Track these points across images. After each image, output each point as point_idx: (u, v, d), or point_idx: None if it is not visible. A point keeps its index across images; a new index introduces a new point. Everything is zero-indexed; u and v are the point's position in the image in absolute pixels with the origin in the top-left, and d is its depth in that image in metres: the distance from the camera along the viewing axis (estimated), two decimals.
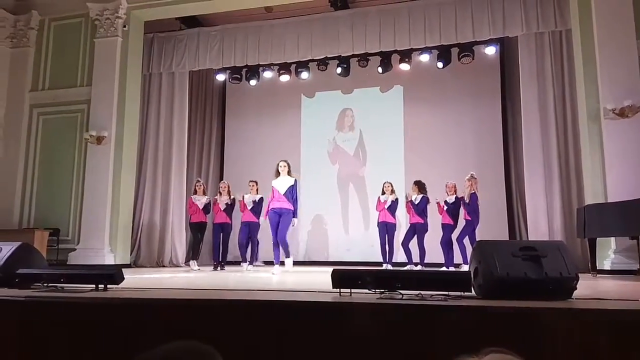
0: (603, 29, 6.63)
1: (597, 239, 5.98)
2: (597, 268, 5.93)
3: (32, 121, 8.77)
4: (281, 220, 6.40)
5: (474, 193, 7.18)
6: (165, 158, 9.26)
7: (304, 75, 10.05)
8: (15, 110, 8.72)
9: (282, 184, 6.52)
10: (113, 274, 3.18)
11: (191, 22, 9.53)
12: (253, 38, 9.01)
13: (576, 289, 2.68)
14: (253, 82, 10.39)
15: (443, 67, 9.40)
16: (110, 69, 8.39)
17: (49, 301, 2.83)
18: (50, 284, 3.27)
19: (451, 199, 7.35)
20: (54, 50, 8.93)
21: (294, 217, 6.52)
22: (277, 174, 6.62)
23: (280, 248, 6.51)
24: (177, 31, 9.53)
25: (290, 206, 6.43)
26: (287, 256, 6.52)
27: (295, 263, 9.73)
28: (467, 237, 7.11)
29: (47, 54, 8.94)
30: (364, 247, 9.63)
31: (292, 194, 6.45)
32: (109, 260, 7.85)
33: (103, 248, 7.88)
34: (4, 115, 8.71)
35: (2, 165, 8.58)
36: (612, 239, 6.22)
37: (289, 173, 6.62)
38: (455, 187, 7.42)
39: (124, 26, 8.55)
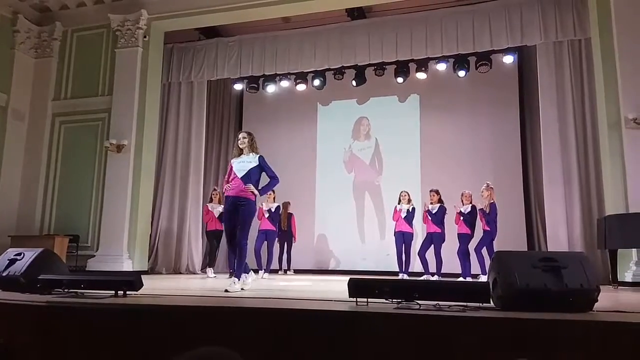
0: (623, 37, 6.54)
1: (618, 250, 5.86)
2: (618, 280, 5.81)
3: (54, 129, 8.96)
4: (240, 215, 4.65)
5: (493, 202, 7.11)
6: (183, 166, 9.37)
7: (320, 84, 10.10)
8: (38, 118, 8.92)
9: (241, 164, 4.77)
10: (132, 281, 3.23)
11: (210, 32, 9.68)
12: (270, 48, 9.11)
13: (597, 301, 2.64)
14: (270, 91, 10.49)
15: (460, 76, 9.36)
16: (131, 78, 8.55)
17: (70, 306, 2.88)
18: (70, 290, 3.33)
19: (467, 208, 7.28)
20: (76, 60, 9.13)
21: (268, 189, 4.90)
22: (239, 151, 4.87)
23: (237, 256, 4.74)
24: (196, 41, 9.68)
25: (250, 195, 4.66)
26: (245, 270, 4.66)
27: (310, 271, 9.84)
28: (485, 247, 7.03)
29: (69, 64, 9.14)
30: (379, 256, 9.58)
31: (252, 178, 4.72)
32: (127, 266, 7.94)
33: (121, 255, 7.98)
34: (28, 123, 8.92)
35: (24, 173, 8.76)
36: (634, 250, 6.10)
37: (252, 149, 4.83)
38: (471, 196, 7.35)
39: (145, 37, 8.71)
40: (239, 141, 4.86)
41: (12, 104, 8.66)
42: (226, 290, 4.22)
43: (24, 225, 8.50)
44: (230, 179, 4.77)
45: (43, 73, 9.07)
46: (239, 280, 4.48)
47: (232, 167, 4.81)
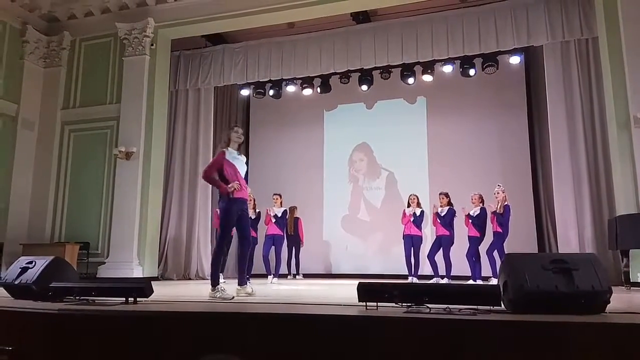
0: (631, 36, 6.49)
1: (631, 250, 5.80)
2: (631, 281, 5.75)
3: (64, 138, 9.05)
4: (246, 218, 4.41)
5: (507, 204, 7.05)
6: (191, 172, 9.41)
7: (327, 88, 10.12)
8: (47, 127, 9.02)
9: (241, 165, 4.39)
10: (143, 287, 3.24)
11: (216, 39, 9.74)
12: (276, 53, 9.15)
13: (609, 302, 2.61)
14: (276, 96, 10.52)
15: (467, 78, 9.33)
16: (139, 86, 8.62)
17: (81, 314, 2.89)
18: (82, 297, 3.35)
19: (475, 211, 7.24)
20: (85, 69, 9.22)
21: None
22: (229, 144, 4.37)
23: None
24: (202, 48, 9.75)
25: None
26: (243, 281, 4.48)
27: (318, 276, 9.83)
28: (496, 249, 6.97)
29: (77, 72, 9.24)
30: (388, 260, 9.55)
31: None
32: (137, 273, 7.98)
33: (131, 261, 8.02)
34: (37, 132, 9.01)
35: (35, 181, 8.85)
36: None
37: (241, 148, 4.47)
38: (480, 198, 7.31)
39: (152, 45, 8.79)
40: (236, 135, 4.37)
41: (22, 114, 8.76)
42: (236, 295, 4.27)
43: (35, 234, 8.58)
44: (235, 177, 4.27)
45: (52, 82, 9.18)
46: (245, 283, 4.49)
47: (234, 164, 4.29)
